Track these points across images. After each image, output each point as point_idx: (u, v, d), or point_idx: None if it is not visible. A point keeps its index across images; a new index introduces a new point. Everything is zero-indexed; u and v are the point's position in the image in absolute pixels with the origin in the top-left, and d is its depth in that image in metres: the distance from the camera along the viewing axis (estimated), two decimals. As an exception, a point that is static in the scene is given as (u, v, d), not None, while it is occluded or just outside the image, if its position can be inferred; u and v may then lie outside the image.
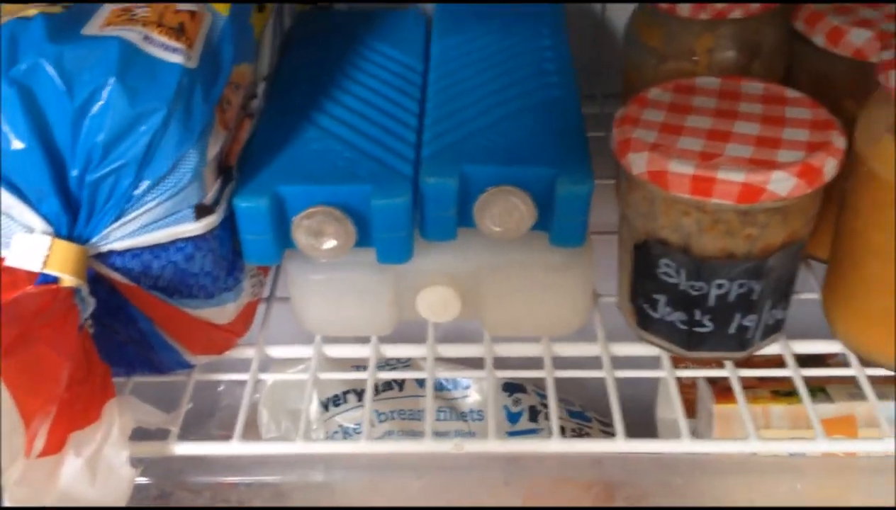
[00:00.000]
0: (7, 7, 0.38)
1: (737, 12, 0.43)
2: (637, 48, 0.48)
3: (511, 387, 0.70)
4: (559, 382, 0.44)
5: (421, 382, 0.69)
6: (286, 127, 0.46)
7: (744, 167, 0.36)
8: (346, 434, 0.68)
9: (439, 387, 0.70)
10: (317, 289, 0.45)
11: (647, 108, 0.41)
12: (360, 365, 0.63)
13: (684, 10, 0.44)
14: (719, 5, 0.43)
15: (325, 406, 0.69)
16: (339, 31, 0.57)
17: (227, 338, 0.44)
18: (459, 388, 0.70)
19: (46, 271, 0.35)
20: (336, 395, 0.69)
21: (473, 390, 0.70)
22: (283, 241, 0.43)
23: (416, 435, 0.69)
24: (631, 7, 0.51)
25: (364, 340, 0.47)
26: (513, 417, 0.69)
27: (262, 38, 0.46)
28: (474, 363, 0.49)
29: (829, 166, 0.37)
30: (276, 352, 0.47)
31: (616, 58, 0.68)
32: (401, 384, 0.69)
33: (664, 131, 0.39)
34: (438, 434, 0.69)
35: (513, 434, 0.69)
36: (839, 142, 0.38)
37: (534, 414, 0.69)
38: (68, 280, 0.36)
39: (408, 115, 0.48)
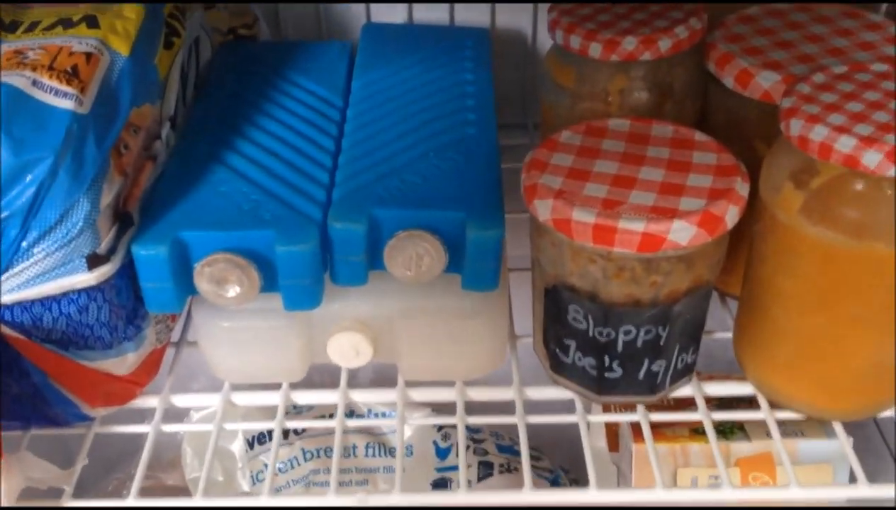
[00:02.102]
0: None
1: (647, 54, 0.43)
2: (551, 88, 0.47)
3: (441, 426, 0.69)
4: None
5: (349, 415, 0.68)
6: (194, 168, 0.45)
7: (644, 216, 0.36)
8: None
9: (366, 418, 0.68)
10: (224, 336, 0.44)
11: (556, 152, 0.41)
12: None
13: (595, 51, 0.44)
14: (629, 47, 0.43)
15: (250, 444, 0.68)
16: (260, 63, 0.56)
17: (128, 389, 0.43)
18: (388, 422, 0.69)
19: (-75, 328, 0.34)
20: (262, 433, 0.68)
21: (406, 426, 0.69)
22: (187, 288, 0.41)
23: (344, 472, 0.68)
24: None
25: (274, 387, 0.46)
26: (441, 453, 0.68)
27: (168, 77, 0.45)
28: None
29: (731, 214, 0.37)
30: (183, 401, 0.45)
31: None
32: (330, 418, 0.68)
33: (571, 177, 0.39)
34: (366, 470, 0.68)
35: (441, 470, 0.68)
36: (742, 189, 0.38)
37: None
38: (-51, 336, 0.34)
39: (322, 154, 0.47)
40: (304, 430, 0.68)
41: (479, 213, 0.42)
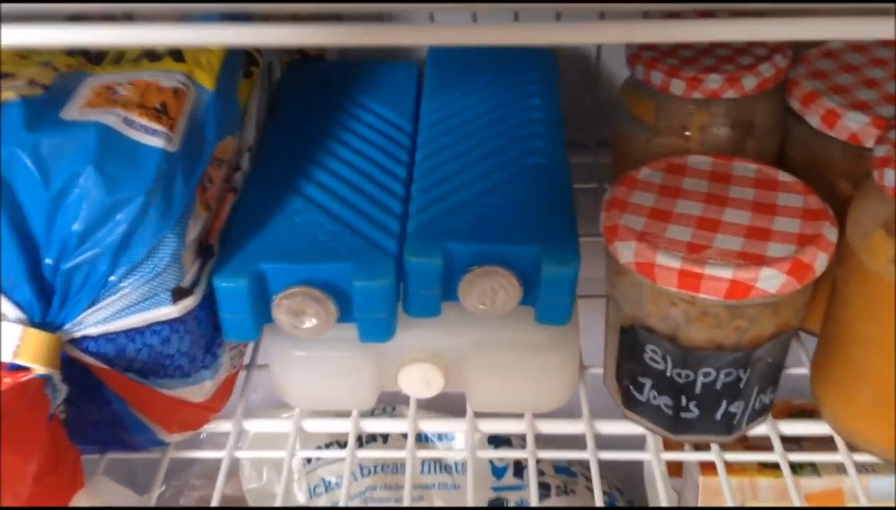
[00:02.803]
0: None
1: (731, 92, 0.43)
2: (627, 121, 0.47)
3: (496, 440, 0.69)
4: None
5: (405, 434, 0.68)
6: (269, 196, 0.45)
7: (732, 263, 0.36)
8: (328, 487, 0.67)
9: (424, 439, 0.69)
10: (297, 365, 0.44)
11: (636, 191, 0.41)
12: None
13: (677, 88, 0.43)
14: (713, 86, 0.43)
15: (307, 458, 0.68)
16: (328, 85, 0.56)
17: (203, 415, 0.43)
18: (444, 440, 0.69)
19: (17, 362, 0.34)
20: (318, 447, 0.68)
21: (459, 442, 0.69)
22: (263, 317, 0.42)
23: (399, 488, 0.68)
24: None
25: (344, 414, 0.46)
26: (498, 472, 0.68)
27: (247, 107, 0.45)
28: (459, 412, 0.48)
29: (820, 262, 0.37)
30: (254, 426, 0.46)
31: (609, 105, 0.68)
32: (385, 435, 0.68)
33: (653, 217, 0.39)
34: (421, 486, 0.68)
35: (497, 489, 0.68)
36: (830, 235, 0.37)
37: (518, 469, 0.68)
38: (40, 369, 0.35)
39: (395, 183, 0.47)
40: (360, 445, 0.68)
41: (554, 248, 0.42)
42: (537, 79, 0.56)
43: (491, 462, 0.68)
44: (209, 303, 0.41)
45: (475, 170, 0.48)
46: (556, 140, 0.50)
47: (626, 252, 0.38)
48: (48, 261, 0.35)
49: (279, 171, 0.47)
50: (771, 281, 0.35)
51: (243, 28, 0.28)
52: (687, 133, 0.45)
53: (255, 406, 0.67)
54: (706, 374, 0.39)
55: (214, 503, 0.42)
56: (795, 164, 0.44)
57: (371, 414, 0.69)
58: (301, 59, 0.59)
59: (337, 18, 0.50)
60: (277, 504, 0.44)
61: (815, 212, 0.39)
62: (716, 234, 0.38)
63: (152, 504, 0.41)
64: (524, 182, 0.46)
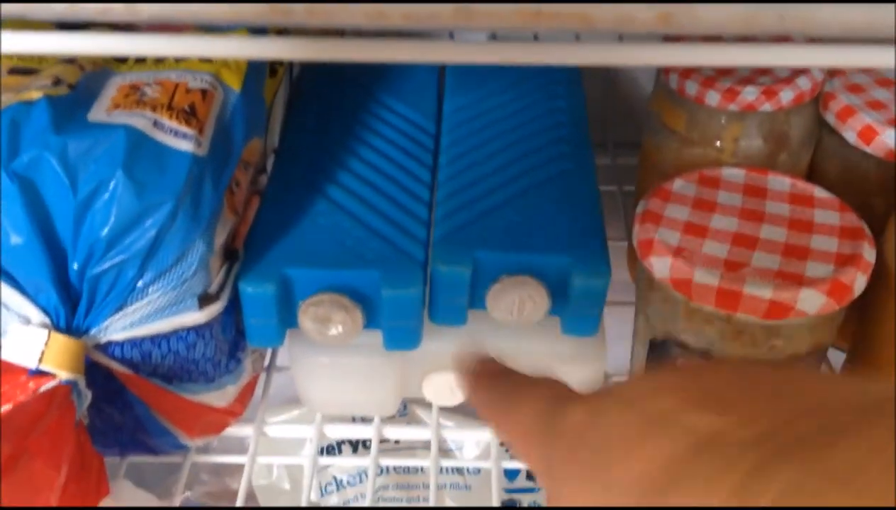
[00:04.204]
0: (8, 80, 0.37)
1: (767, 106, 0.42)
2: (659, 130, 0.46)
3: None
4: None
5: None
6: (293, 197, 0.44)
7: (771, 282, 0.35)
8: (340, 486, 0.67)
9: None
10: (321, 371, 0.44)
11: (670, 203, 0.40)
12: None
13: (713, 99, 0.42)
14: (749, 98, 0.42)
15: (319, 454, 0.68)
16: (348, 82, 0.55)
17: (224, 419, 0.43)
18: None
19: (42, 367, 0.34)
20: (331, 445, 0.68)
21: (471, 443, 0.69)
22: (288, 322, 0.41)
23: (411, 488, 0.68)
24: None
25: (366, 420, 0.46)
26: (511, 474, 0.68)
27: (273, 107, 0.45)
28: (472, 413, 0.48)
29: (859, 283, 0.36)
30: (275, 431, 0.45)
31: (628, 105, 0.67)
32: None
33: (688, 232, 0.38)
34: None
35: (510, 491, 0.68)
36: (869, 255, 0.37)
37: (531, 472, 0.67)
38: (65, 375, 0.34)
39: (420, 186, 0.46)
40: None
41: (584, 259, 0.41)
42: (562, 79, 0.55)
43: (504, 463, 0.68)
44: (234, 308, 0.40)
45: (501, 174, 0.47)
46: (582, 144, 0.49)
47: (662, 267, 0.37)
48: (75, 265, 0.34)
49: (302, 172, 0.46)
50: (810, 302, 0.35)
51: (263, 42, 0.27)
52: (719, 144, 0.44)
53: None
54: (737, 392, 0.39)
55: (239, 504, 0.42)
56: (828, 178, 0.43)
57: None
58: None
59: (358, 33, 0.50)
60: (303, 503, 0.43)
61: (852, 230, 0.38)
62: (753, 251, 0.37)
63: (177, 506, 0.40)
64: (552, 188, 0.46)
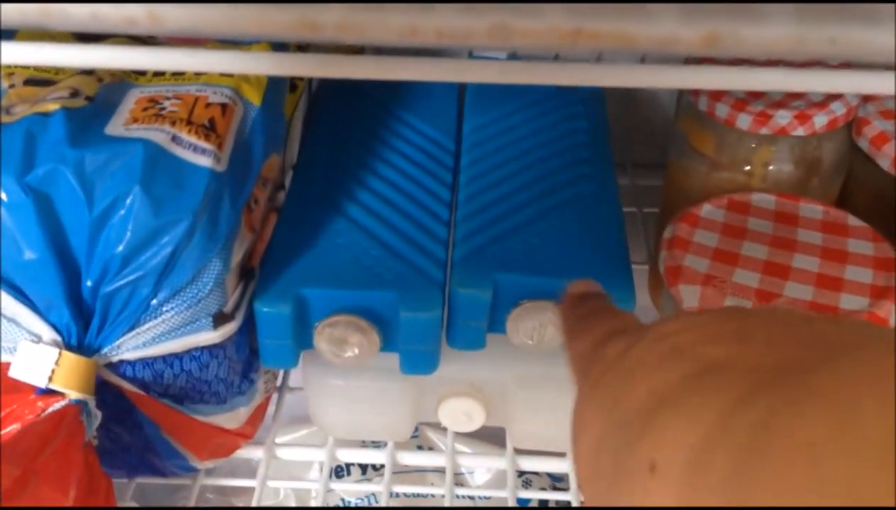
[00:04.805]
0: (24, 91, 0.36)
1: (800, 130, 0.41)
2: (686, 153, 0.45)
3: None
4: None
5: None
6: (309, 217, 0.43)
7: (805, 314, 0.34)
8: (347, 507, 0.66)
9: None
10: (335, 393, 0.43)
11: (699, 229, 0.39)
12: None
13: (744, 123, 0.41)
14: (782, 122, 0.41)
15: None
16: (367, 99, 0.54)
17: (235, 442, 0.42)
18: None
19: (52, 386, 0.33)
20: (339, 466, 0.67)
21: (482, 469, 0.67)
22: (303, 343, 0.40)
23: (419, 512, 0.66)
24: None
25: (379, 445, 0.45)
26: (521, 501, 0.66)
27: (292, 123, 0.44)
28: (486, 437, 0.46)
29: (894, 316, 0.35)
30: (286, 454, 0.44)
31: (647, 125, 0.66)
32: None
33: (717, 260, 0.37)
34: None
35: (521, 518, 0.66)
36: (905, 287, 0.36)
37: (543, 502, 0.66)
38: (75, 395, 0.33)
39: (439, 205, 0.45)
40: (382, 466, 0.66)
41: (608, 284, 0.39)
42: (585, 99, 0.54)
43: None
44: (248, 328, 0.39)
45: (522, 195, 0.46)
46: (605, 165, 0.48)
47: (691, 296, 0.36)
48: (89, 282, 0.33)
49: (319, 189, 0.45)
50: (845, 335, 0.34)
51: (281, 57, 0.27)
52: (748, 169, 0.43)
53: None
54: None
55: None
56: (860, 205, 0.42)
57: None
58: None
59: (377, 50, 0.49)
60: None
61: (886, 261, 0.37)
62: (786, 281, 0.36)
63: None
64: (574, 210, 0.45)
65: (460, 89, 0.56)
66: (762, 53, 0.23)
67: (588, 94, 0.55)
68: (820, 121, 0.41)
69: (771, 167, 0.42)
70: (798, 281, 0.36)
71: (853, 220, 0.39)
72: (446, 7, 0.22)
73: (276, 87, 0.41)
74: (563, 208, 0.45)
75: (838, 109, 0.41)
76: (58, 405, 0.33)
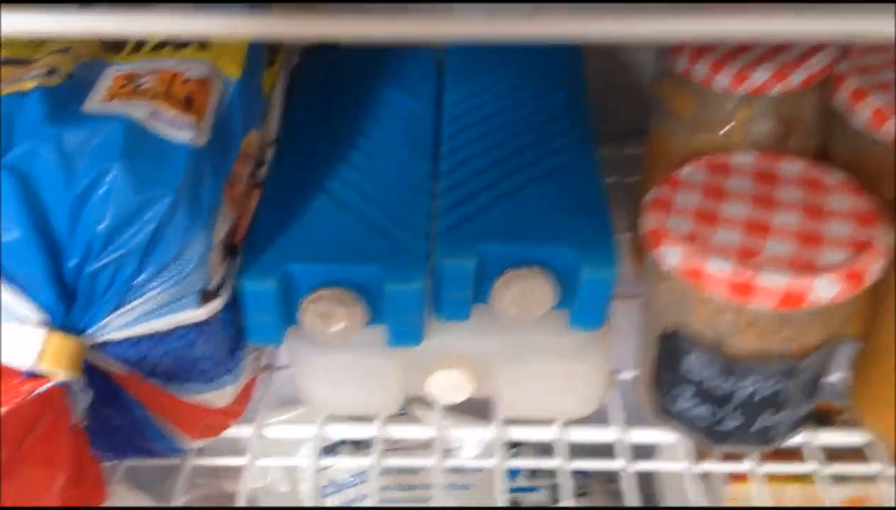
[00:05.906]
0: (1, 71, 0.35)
1: (778, 88, 0.41)
2: (666, 117, 0.45)
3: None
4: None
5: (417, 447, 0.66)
6: (291, 191, 0.43)
7: (785, 271, 0.34)
8: (338, 487, 0.66)
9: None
10: (322, 369, 0.43)
11: (680, 191, 0.39)
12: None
13: (722, 83, 0.41)
14: (759, 81, 0.41)
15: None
16: (347, 73, 0.54)
17: (223, 420, 0.42)
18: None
19: (41, 367, 0.33)
20: (329, 446, 0.67)
21: (471, 442, 0.68)
22: (289, 320, 0.40)
23: (412, 489, 0.67)
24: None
25: (368, 418, 0.45)
26: (511, 473, 0.67)
27: (271, 98, 0.43)
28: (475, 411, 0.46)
29: (874, 269, 0.35)
30: (275, 433, 0.44)
31: (628, 94, 0.66)
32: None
33: (699, 220, 0.37)
34: (433, 485, 0.67)
35: (511, 490, 0.67)
36: (885, 240, 0.36)
37: (533, 470, 0.67)
38: (61, 376, 0.33)
39: (421, 178, 0.45)
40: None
41: (592, 250, 0.40)
42: (563, 69, 0.54)
43: (505, 462, 0.67)
44: (233, 305, 0.39)
45: (504, 166, 0.46)
46: (585, 134, 0.48)
47: (673, 257, 0.36)
48: (72, 262, 0.33)
49: (301, 165, 0.45)
50: (825, 290, 0.34)
51: (255, 18, 0.26)
52: (728, 129, 0.43)
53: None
54: (749, 384, 0.38)
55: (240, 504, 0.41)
56: (837, 164, 0.42)
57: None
58: (318, 44, 0.57)
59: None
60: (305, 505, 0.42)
61: (866, 215, 0.37)
62: (766, 239, 0.36)
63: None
64: (555, 179, 0.45)
65: (439, 63, 0.56)
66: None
67: (567, 65, 0.55)
68: (797, 78, 0.41)
69: (749, 127, 0.43)
70: (778, 238, 0.36)
71: (832, 176, 0.39)
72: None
73: (254, 62, 0.41)
74: (544, 178, 0.45)
75: (815, 66, 0.41)
76: (43, 387, 0.32)
